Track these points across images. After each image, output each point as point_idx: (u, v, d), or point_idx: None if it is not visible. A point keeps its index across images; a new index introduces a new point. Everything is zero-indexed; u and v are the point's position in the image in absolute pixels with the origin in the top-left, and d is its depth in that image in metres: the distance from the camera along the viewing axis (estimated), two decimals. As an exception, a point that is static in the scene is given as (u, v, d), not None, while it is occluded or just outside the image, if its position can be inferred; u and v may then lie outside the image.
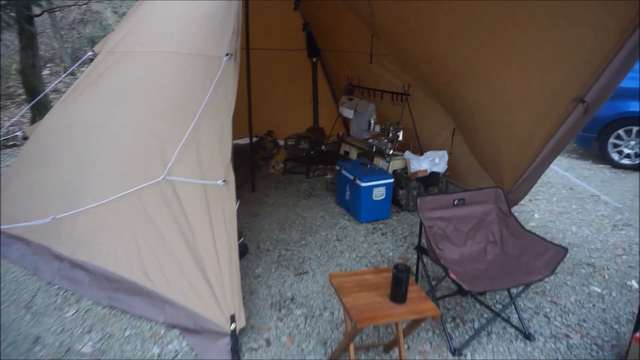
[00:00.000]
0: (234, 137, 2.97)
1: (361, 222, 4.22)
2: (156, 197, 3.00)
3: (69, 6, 8.63)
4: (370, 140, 5.01)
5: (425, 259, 2.86)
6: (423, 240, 2.80)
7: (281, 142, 6.51)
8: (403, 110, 4.55)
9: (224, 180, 2.87)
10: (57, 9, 8.31)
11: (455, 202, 2.86)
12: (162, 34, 3.56)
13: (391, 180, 4.21)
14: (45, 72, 11.68)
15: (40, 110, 7.04)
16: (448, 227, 2.86)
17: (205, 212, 2.84)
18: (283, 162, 5.85)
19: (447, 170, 4.55)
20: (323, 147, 6.08)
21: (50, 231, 3.34)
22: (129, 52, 3.67)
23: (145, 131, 3.28)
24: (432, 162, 4.49)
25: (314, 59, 6.05)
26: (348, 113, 5.30)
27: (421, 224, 2.80)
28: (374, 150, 4.91)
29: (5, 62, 11.85)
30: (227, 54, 3.02)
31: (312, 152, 5.80)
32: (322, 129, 6.33)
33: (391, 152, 4.72)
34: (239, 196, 2.99)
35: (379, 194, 4.17)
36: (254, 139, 6.43)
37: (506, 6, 2.87)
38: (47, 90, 6.86)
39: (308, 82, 6.31)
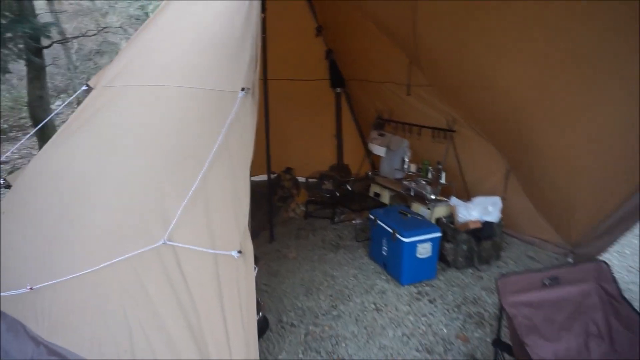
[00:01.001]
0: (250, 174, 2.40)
1: (402, 285, 3.51)
2: (155, 266, 2.35)
3: (77, 37, 8.27)
4: (406, 182, 4.34)
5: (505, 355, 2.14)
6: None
7: (301, 180, 5.89)
8: (447, 149, 3.89)
9: (240, 252, 2.22)
10: (65, 41, 7.94)
11: (546, 282, 2.15)
12: (166, 65, 2.99)
13: (438, 235, 3.52)
14: (58, 102, 11.40)
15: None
16: (537, 316, 2.14)
17: (214, 290, 2.21)
18: (304, 205, 5.19)
19: (501, 219, 3.84)
20: (349, 187, 5.42)
21: (27, 304, 2.70)
22: (128, 86, 3.10)
23: (144, 182, 2.65)
24: (484, 210, 3.79)
25: (338, 90, 5.47)
26: (379, 150, 4.66)
27: (500, 311, 2.10)
28: (411, 193, 4.24)
29: (18, 94, 11.63)
30: (242, 89, 2.44)
31: (337, 194, 5.14)
32: (348, 167, 5.69)
33: (433, 197, 4.04)
34: (255, 251, 2.36)
35: (424, 251, 3.47)
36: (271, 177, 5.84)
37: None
38: (47, 119, 6.37)
39: (331, 115, 5.71)
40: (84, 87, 3.41)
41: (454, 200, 3.90)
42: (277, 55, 4.40)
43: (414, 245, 3.42)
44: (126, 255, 2.42)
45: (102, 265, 2.47)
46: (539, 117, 3.14)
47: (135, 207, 2.57)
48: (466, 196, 4.19)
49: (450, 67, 3.39)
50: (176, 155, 2.59)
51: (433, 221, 3.94)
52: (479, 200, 3.87)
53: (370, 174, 5.03)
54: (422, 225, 3.53)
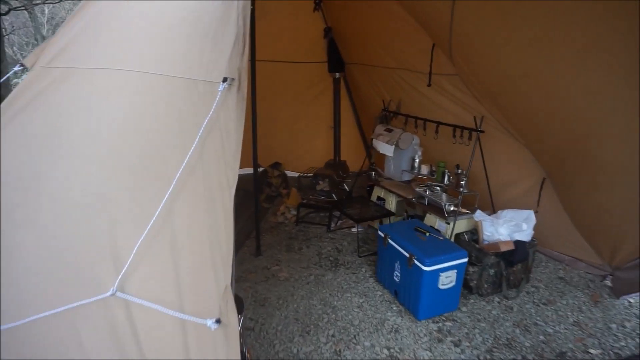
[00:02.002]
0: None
1: (419, 320, 2.89)
2: (101, 325, 1.66)
3: (38, 3, 7.30)
4: (419, 188, 3.68)
5: None
6: None
7: (293, 174, 5.21)
8: (474, 151, 3.23)
9: (218, 321, 1.55)
10: (24, 8, 6.98)
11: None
12: (124, 43, 2.23)
13: (464, 261, 2.89)
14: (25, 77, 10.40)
15: None
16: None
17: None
18: (295, 208, 4.49)
19: (534, 237, 3.23)
20: (346, 188, 4.75)
21: None
22: (73, 68, 2.32)
23: (89, 202, 1.92)
24: (516, 227, 3.16)
25: (337, 75, 4.74)
26: (386, 149, 3.97)
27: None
28: (425, 202, 3.58)
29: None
30: (224, 79, 1.74)
31: (334, 195, 4.47)
32: (345, 164, 5.00)
33: (452, 207, 3.40)
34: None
35: (447, 280, 2.84)
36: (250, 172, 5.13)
37: None
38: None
39: (328, 103, 4.97)
40: (17, 67, 2.62)
41: (478, 215, 3.26)
42: (266, 33, 3.66)
43: (435, 274, 2.78)
44: (62, 308, 1.71)
45: (27, 319, 1.75)
46: (598, 123, 2.51)
47: (77, 236, 1.85)
48: (489, 207, 3.56)
49: (489, 56, 2.71)
50: (134, 167, 1.86)
51: (451, 238, 3.31)
52: (508, 214, 3.25)
53: (374, 175, 4.33)
54: (445, 249, 2.88)
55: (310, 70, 4.79)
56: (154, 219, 1.63)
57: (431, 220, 3.52)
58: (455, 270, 2.85)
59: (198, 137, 1.70)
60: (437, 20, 2.85)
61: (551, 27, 2.25)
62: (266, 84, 4.84)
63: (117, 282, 1.61)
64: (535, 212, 3.28)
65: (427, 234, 3.05)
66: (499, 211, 3.33)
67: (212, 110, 1.73)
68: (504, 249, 3.01)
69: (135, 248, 1.62)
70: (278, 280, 3.38)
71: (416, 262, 2.80)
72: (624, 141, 2.45)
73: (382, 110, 4.24)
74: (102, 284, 1.61)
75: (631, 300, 3.21)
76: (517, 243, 3.11)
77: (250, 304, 3.06)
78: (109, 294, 1.61)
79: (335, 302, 3.08)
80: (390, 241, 3.07)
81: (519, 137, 3.20)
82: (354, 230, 4.18)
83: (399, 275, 3.01)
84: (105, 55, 2.32)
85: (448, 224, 3.33)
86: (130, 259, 1.63)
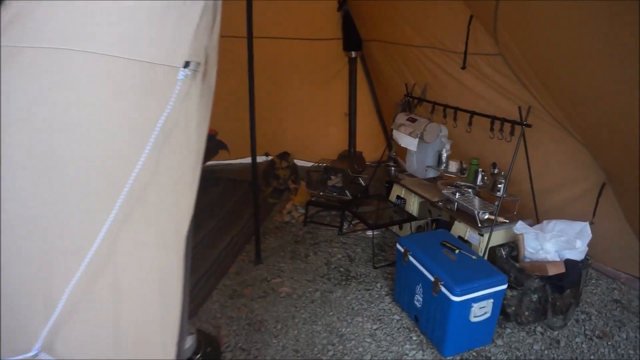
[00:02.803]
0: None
1: (444, 356, 2.37)
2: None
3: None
4: (447, 190, 3.11)
5: None
6: None
7: (304, 164, 4.71)
8: (517, 148, 2.63)
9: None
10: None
11: None
12: (78, 15, 1.71)
13: (503, 288, 2.34)
14: None
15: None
16: None
17: None
18: (303, 207, 3.98)
19: (587, 255, 2.65)
20: (362, 183, 4.20)
21: None
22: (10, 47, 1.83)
23: (23, 219, 1.44)
24: (566, 242, 2.59)
25: (353, 54, 4.14)
26: (409, 142, 3.40)
27: None
28: (455, 208, 3.02)
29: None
30: (186, 64, 1.20)
31: (347, 192, 3.93)
32: (361, 156, 4.45)
33: (486, 215, 2.83)
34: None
35: (481, 312, 2.30)
36: (263, 160, 4.62)
37: None
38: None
39: (343, 86, 4.39)
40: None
41: (520, 226, 2.69)
42: (269, 5, 3.10)
43: (467, 305, 2.24)
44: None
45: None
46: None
47: (7, 264, 1.38)
48: (531, 216, 2.98)
49: (550, 32, 2.09)
50: (79, 178, 1.37)
51: (484, 251, 2.76)
52: (557, 226, 2.67)
53: (392, 169, 3.76)
54: (479, 272, 2.33)
55: (322, 48, 4.20)
56: (91, 252, 1.16)
57: (460, 229, 2.97)
58: (492, 300, 2.31)
59: (149, 145, 1.20)
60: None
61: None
62: (273, 64, 4.31)
63: (41, 338, 1.16)
64: (591, 224, 2.70)
65: (457, 251, 2.50)
66: (545, 222, 2.75)
67: (170, 105, 1.22)
68: (552, 272, 2.45)
69: (68, 289, 1.17)
70: (278, 296, 2.90)
71: (443, 288, 2.27)
72: None
73: (404, 95, 3.64)
74: (29, 339, 1.18)
75: None
76: (568, 263, 2.54)
77: (244, 328, 2.58)
78: (30, 354, 1.17)
79: (344, 330, 2.58)
80: (412, 258, 2.54)
81: (576, 133, 2.59)
82: (369, 233, 3.64)
83: (420, 300, 2.48)
84: (54, 31, 1.77)
85: (481, 235, 2.77)
86: (61, 305, 1.18)
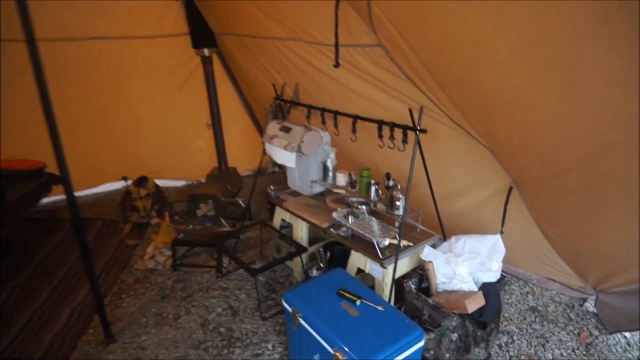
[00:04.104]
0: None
1: None
2: None
3: None
4: (338, 214, 2.54)
5: None
6: None
7: (173, 184, 3.91)
8: (414, 159, 2.13)
9: None
10: None
11: None
12: None
13: (421, 345, 1.83)
14: None
15: None
16: None
17: None
18: (170, 247, 3.17)
19: (502, 271, 2.27)
20: (242, 203, 3.51)
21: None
22: None
23: None
24: (481, 265, 2.18)
25: (207, 52, 3.37)
26: (285, 158, 2.76)
27: None
28: (349, 235, 2.47)
29: None
30: None
31: (223, 222, 3.22)
32: (236, 173, 3.73)
33: (387, 241, 2.32)
34: None
35: (397, 381, 1.78)
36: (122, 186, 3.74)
37: None
38: None
39: (201, 91, 3.60)
40: None
41: (428, 253, 2.22)
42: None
43: (379, 379, 1.70)
44: None
45: None
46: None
47: None
48: (435, 225, 2.54)
49: (434, 7, 1.57)
50: None
51: (389, 288, 2.26)
52: (467, 243, 2.25)
53: (273, 190, 3.10)
54: (390, 330, 1.80)
55: (167, 47, 3.38)
56: None
57: (359, 260, 2.43)
58: (409, 363, 1.79)
59: None
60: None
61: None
62: (113, 73, 3.40)
63: None
64: (501, 234, 2.33)
65: (359, 302, 1.94)
66: (453, 238, 2.32)
67: None
68: (472, 309, 2.01)
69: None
70: (134, 395, 2.12)
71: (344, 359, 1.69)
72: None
73: (274, 99, 2.98)
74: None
75: (627, 336, 2.42)
76: (487, 290, 2.13)
77: None
78: None
79: None
80: (303, 322, 1.93)
81: (476, 134, 2.16)
82: (255, 266, 2.96)
83: (321, 374, 1.89)
84: None
85: (384, 267, 2.26)
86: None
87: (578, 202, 2.02)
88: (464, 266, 2.18)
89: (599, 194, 1.91)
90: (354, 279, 2.14)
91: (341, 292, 2.00)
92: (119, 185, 4.20)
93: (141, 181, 3.78)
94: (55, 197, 3.81)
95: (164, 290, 2.92)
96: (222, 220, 3.27)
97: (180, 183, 4.31)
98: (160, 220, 3.48)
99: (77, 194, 4.18)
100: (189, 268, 3.13)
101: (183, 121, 3.88)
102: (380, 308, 1.91)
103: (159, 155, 4.05)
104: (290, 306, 2.00)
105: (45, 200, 3.71)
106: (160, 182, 3.97)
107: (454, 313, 2.03)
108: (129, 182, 3.89)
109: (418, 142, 2.11)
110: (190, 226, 3.29)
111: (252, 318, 2.62)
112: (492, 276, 2.18)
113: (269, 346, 2.39)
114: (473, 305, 2.00)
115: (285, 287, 2.92)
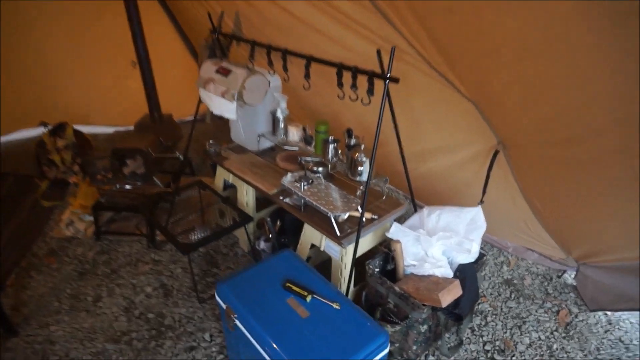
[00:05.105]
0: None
1: None
2: None
3: None
4: (289, 180, 2.09)
5: None
6: None
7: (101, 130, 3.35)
8: (381, 114, 1.66)
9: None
10: None
11: None
12: None
13: (385, 353, 1.48)
14: None
15: None
16: None
17: None
18: (91, 212, 2.65)
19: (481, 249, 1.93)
20: (180, 156, 2.99)
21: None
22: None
23: None
24: (458, 245, 1.82)
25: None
26: (224, 108, 2.22)
27: None
28: (302, 205, 2.04)
29: None
30: None
31: (156, 181, 2.71)
32: (172, 120, 3.17)
33: (345, 215, 1.92)
34: None
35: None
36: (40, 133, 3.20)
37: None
38: None
39: (119, 23, 2.92)
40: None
41: (395, 230, 1.83)
42: None
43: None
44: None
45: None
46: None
47: None
48: (403, 185, 2.15)
49: None
50: None
51: (348, 270, 1.88)
52: (442, 217, 1.87)
53: (211, 146, 2.58)
54: (348, 337, 1.42)
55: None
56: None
57: (313, 235, 2.02)
58: (372, 375, 1.45)
59: None
60: None
61: None
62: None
63: None
64: (481, 203, 1.96)
65: (309, 298, 1.55)
66: (425, 210, 1.94)
67: None
68: (447, 302, 1.66)
69: None
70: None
71: (293, 385, 1.32)
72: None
73: (210, 32, 2.37)
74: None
75: (608, 313, 2.19)
76: (463, 274, 1.78)
77: None
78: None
79: None
80: (239, 324, 1.52)
81: (461, 86, 1.70)
82: (194, 236, 2.52)
83: (263, 389, 1.53)
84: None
85: (343, 247, 1.86)
86: None
87: (575, 176, 1.65)
88: (437, 246, 1.82)
89: (602, 169, 1.54)
90: (306, 265, 1.73)
91: (288, 284, 1.60)
92: (37, 132, 3.56)
93: (58, 129, 3.16)
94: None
95: (84, 264, 2.45)
96: (154, 178, 2.76)
97: (110, 130, 3.70)
98: (79, 179, 2.93)
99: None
100: (116, 236, 2.65)
101: (104, 59, 3.22)
102: (335, 306, 1.52)
103: (82, 97, 3.41)
104: (225, 302, 1.58)
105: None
106: (86, 129, 3.36)
107: (424, 305, 1.68)
108: (49, 128, 3.27)
109: (387, 93, 1.63)
110: (118, 186, 2.77)
111: (187, 300, 2.22)
112: (470, 257, 1.84)
113: (206, 336, 2.01)
114: (448, 298, 1.65)
115: (230, 259, 2.51)
